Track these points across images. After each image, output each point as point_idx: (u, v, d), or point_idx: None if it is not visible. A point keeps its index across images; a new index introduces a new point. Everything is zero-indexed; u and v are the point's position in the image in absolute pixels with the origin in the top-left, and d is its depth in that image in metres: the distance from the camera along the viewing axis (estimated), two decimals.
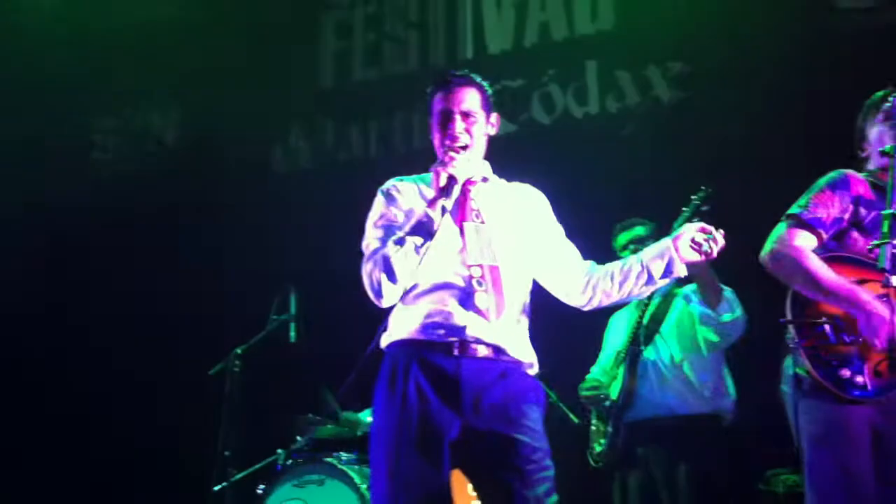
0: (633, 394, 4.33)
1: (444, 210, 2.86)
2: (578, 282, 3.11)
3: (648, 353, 4.39)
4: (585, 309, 3.18)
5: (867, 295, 3.08)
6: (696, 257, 3.01)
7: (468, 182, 3.05)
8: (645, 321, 4.40)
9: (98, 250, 7.11)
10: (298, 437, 5.27)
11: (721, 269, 4.16)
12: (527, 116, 6.33)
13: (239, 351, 5.12)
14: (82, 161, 7.77)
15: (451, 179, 2.89)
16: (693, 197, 3.62)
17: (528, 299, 3.09)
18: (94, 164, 7.79)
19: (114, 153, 7.77)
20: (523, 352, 3.00)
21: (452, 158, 2.92)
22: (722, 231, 2.99)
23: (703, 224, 3.02)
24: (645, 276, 3.03)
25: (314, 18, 7.29)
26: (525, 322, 3.06)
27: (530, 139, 6.16)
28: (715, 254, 3.00)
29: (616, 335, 4.64)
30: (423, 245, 2.83)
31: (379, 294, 2.88)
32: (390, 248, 2.85)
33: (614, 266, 3.09)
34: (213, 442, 4.95)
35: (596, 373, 4.67)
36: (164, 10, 7.27)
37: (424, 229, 2.84)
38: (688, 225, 3.05)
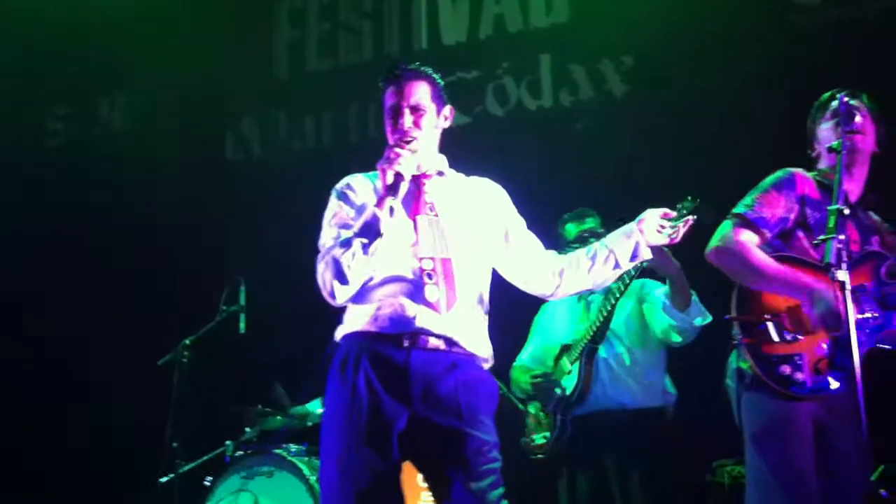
0: (589, 390, 4.35)
1: (391, 210, 2.84)
2: (543, 271, 3.15)
3: (601, 349, 4.42)
4: (550, 298, 3.24)
5: (809, 278, 3.16)
6: (661, 240, 3.07)
7: (423, 176, 3.05)
8: (602, 317, 4.41)
9: (46, 239, 7.01)
10: (247, 429, 5.24)
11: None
12: (481, 109, 6.33)
13: (188, 342, 5.10)
14: (33, 148, 7.65)
15: (398, 177, 2.86)
16: (679, 206, 3.60)
17: (485, 292, 3.09)
18: (45, 151, 7.68)
19: (64, 140, 7.66)
20: (478, 344, 3.00)
21: (398, 155, 2.88)
22: (689, 217, 3.05)
23: (666, 209, 3.08)
24: (612, 261, 3.07)
25: (268, 6, 7.23)
26: (481, 314, 3.06)
27: (484, 131, 6.16)
28: (679, 238, 3.07)
29: (556, 326, 4.64)
30: (370, 244, 2.81)
31: (332, 295, 2.88)
32: (338, 250, 2.84)
33: (579, 253, 3.13)
34: (160, 433, 4.92)
35: (526, 360, 4.68)
36: None
37: (372, 229, 2.83)
38: (651, 210, 3.09)
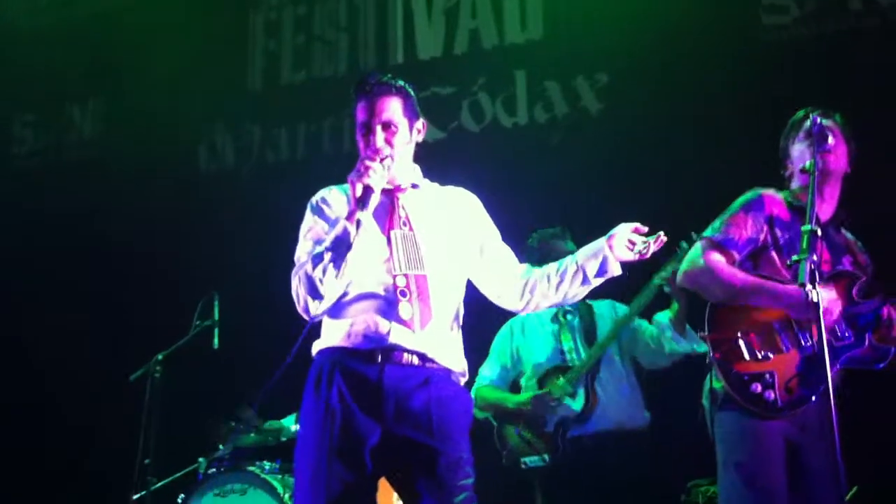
0: (593, 411, 4.35)
1: (359, 223, 2.82)
2: (515, 285, 3.14)
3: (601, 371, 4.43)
4: (521, 312, 3.22)
5: (780, 285, 3.19)
6: (630, 256, 3.05)
7: (397, 189, 3.04)
8: (610, 339, 4.42)
9: (15, 248, 6.93)
10: (220, 446, 5.20)
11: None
12: (456, 124, 6.33)
13: (160, 357, 5.04)
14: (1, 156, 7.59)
15: (367, 190, 2.85)
16: (693, 235, 3.60)
17: (460, 306, 3.08)
18: (12, 158, 7.60)
19: (33, 148, 7.59)
20: (453, 359, 2.99)
21: (368, 167, 2.87)
22: (661, 233, 3.04)
23: (637, 225, 3.06)
24: (580, 277, 3.06)
25: (243, 18, 7.21)
26: (457, 329, 3.05)
27: (459, 147, 6.16)
28: (648, 255, 3.05)
29: (529, 346, 4.62)
30: (341, 258, 2.80)
31: (306, 309, 2.86)
32: (310, 265, 2.83)
33: (550, 268, 3.12)
34: (132, 450, 4.86)
35: (495, 380, 4.63)
36: (90, 4, 7.14)
37: (343, 243, 2.81)
38: (622, 224, 3.08)
